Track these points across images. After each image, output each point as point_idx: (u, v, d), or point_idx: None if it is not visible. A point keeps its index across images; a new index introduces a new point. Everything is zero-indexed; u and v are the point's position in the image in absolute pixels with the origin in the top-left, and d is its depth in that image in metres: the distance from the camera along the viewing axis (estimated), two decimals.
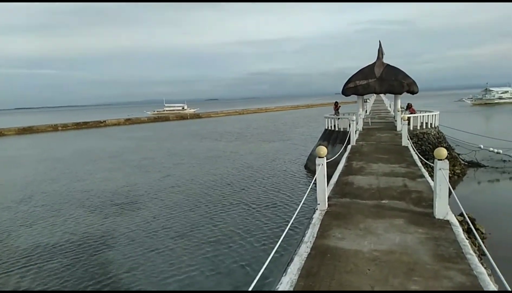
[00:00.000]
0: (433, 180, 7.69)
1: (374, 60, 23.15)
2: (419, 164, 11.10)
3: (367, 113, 34.52)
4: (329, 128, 22.18)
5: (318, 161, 6.78)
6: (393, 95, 23.97)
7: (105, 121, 78.76)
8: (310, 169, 21.80)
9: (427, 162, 11.22)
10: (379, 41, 23.53)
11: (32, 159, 32.28)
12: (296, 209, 6.00)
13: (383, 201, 7.42)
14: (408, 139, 15.19)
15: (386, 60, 23.27)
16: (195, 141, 41.03)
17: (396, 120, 21.49)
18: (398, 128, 20.13)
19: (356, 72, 22.81)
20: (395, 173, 9.91)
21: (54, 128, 70.36)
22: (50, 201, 17.74)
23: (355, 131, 17.82)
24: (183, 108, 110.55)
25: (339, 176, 9.83)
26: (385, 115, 32.58)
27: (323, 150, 6.78)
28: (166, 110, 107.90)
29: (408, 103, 23.18)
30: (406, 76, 22.18)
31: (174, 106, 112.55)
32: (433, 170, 6.76)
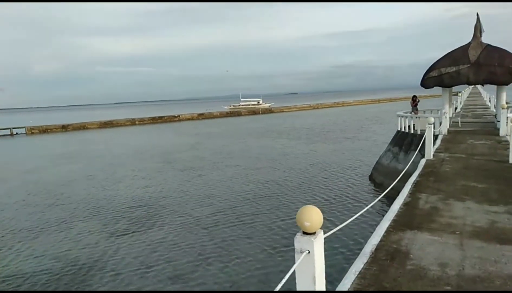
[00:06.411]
0: None
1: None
2: None
3: (457, 110, 27.90)
4: (403, 129, 17.17)
5: (298, 242, 2.87)
6: (495, 86, 17.87)
7: (179, 116, 79.98)
8: (376, 182, 17.16)
9: None
10: (477, 14, 17.54)
11: (92, 155, 32.20)
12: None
13: None
14: None
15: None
16: (254, 138, 37.94)
17: (498, 121, 15.72)
18: (502, 133, 14.53)
19: (443, 56, 17.16)
20: (501, 232, 5.18)
21: (132, 122, 73.13)
22: (70, 206, 16.25)
23: (435, 137, 12.92)
24: (258, 102, 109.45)
25: (387, 230, 5.42)
26: (482, 112, 25.75)
27: (313, 214, 2.84)
28: (242, 105, 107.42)
29: None
30: None
31: (250, 101, 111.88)
32: None
